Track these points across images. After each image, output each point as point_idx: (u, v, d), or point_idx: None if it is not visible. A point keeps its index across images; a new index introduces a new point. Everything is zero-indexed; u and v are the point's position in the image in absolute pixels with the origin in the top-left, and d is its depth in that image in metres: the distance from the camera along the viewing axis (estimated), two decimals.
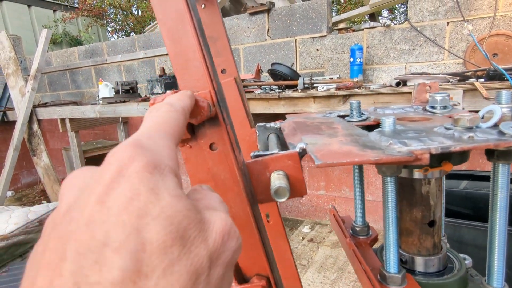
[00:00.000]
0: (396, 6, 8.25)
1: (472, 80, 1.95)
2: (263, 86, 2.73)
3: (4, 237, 2.33)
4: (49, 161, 3.78)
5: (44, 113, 3.80)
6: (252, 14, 3.15)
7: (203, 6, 0.58)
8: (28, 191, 4.92)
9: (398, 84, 2.13)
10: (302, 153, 0.38)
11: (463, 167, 2.66)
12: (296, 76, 2.66)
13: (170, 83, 3.43)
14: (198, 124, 0.34)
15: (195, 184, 0.40)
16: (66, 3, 8.12)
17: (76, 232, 0.16)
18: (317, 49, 2.95)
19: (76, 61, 4.59)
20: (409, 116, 0.52)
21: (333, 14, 4.75)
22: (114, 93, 3.36)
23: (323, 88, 2.37)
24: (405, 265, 0.52)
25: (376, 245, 0.64)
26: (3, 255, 2.31)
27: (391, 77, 2.62)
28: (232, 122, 0.40)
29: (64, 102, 4.27)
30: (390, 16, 8.47)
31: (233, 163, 0.35)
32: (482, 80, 1.96)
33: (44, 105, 4.15)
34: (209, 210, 0.20)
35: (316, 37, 2.93)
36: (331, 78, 2.67)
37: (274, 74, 2.74)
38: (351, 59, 2.62)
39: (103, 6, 8.15)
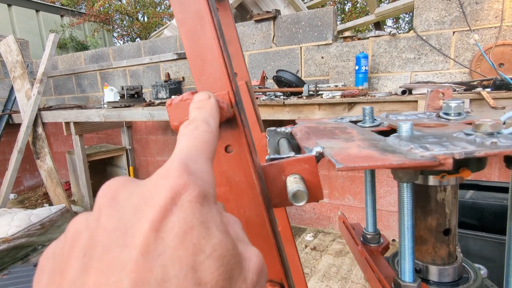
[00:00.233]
0: (401, 15, 8.30)
1: (478, 89, 1.94)
2: (268, 93, 2.74)
3: (6, 240, 2.32)
4: (53, 164, 3.78)
5: (49, 116, 3.82)
6: (257, 21, 3.17)
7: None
8: (30, 194, 4.93)
9: (404, 92, 2.13)
10: (319, 157, 0.37)
11: (469, 177, 2.65)
12: (301, 83, 2.67)
13: (175, 89, 3.45)
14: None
15: None
16: (73, 9, 8.23)
17: (131, 261, 0.15)
18: (322, 57, 2.96)
19: (82, 66, 4.63)
20: (424, 123, 0.51)
21: (338, 22, 4.78)
22: (119, 98, 3.38)
23: (328, 95, 2.37)
24: (419, 274, 0.51)
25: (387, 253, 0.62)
26: (4, 258, 2.30)
27: (396, 86, 2.62)
28: None
29: (69, 105, 4.30)
30: (395, 26, 8.51)
31: (250, 166, 0.35)
32: (489, 89, 1.96)
33: (49, 108, 4.18)
34: (241, 243, 0.20)
35: (321, 44, 2.94)
36: (336, 86, 2.67)
37: (279, 81, 2.75)
38: (356, 67, 2.62)
39: (109, 12, 8.25)
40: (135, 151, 4.37)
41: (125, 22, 9.27)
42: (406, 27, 8.68)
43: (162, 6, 9.69)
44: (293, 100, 2.43)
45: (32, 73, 4.78)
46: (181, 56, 3.63)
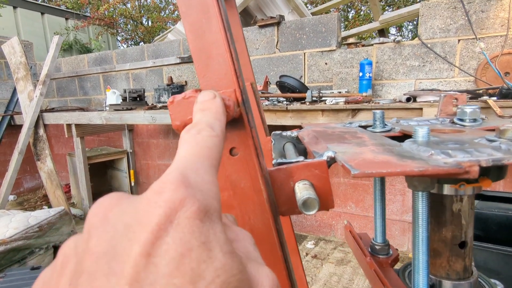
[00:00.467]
0: (404, 23, 8.32)
1: (484, 98, 1.91)
2: (270, 98, 2.72)
3: (3, 242, 2.29)
4: (53, 166, 3.76)
5: (51, 118, 3.81)
6: (261, 26, 3.17)
7: None
8: (30, 195, 4.90)
9: (408, 99, 2.11)
10: (330, 162, 0.35)
11: (488, 187, 2.61)
12: (304, 89, 2.65)
13: (177, 92, 3.44)
14: None
15: None
16: (78, 12, 8.29)
17: None
18: (326, 63, 2.95)
19: (85, 68, 4.64)
20: (439, 128, 0.48)
21: (342, 29, 4.79)
22: (121, 101, 3.37)
23: (331, 101, 2.35)
24: None
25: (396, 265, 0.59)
26: (0, 261, 2.27)
27: (400, 93, 2.60)
28: None
29: (71, 108, 4.29)
30: (398, 34, 8.53)
31: (256, 170, 0.32)
32: (495, 98, 1.93)
33: (51, 110, 4.18)
34: (252, 263, 0.18)
35: (325, 51, 2.93)
36: (340, 92, 2.65)
37: (282, 86, 2.73)
38: (360, 74, 2.61)
39: (114, 16, 8.30)
40: (136, 154, 4.34)
41: (129, 26, 9.32)
42: (409, 35, 8.70)
43: (167, 11, 9.75)
44: (296, 105, 2.41)
45: (36, 75, 4.79)
46: (184, 60, 3.62)
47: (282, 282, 0.35)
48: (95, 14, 7.84)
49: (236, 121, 0.32)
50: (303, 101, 2.54)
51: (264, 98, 2.75)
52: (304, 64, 3.05)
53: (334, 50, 2.89)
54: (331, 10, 4.58)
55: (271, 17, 3.13)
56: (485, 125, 0.50)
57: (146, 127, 4.16)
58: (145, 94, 3.60)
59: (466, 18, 2.34)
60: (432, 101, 2.01)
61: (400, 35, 8.60)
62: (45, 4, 7.95)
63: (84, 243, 0.15)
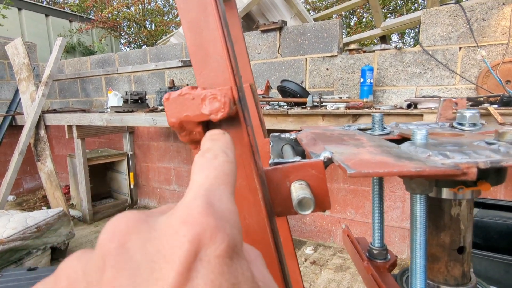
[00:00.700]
0: (406, 31, 8.36)
1: (485, 105, 1.91)
2: (271, 102, 2.72)
3: (0, 242, 2.28)
4: (53, 167, 3.76)
5: (52, 119, 3.82)
6: (264, 31, 3.18)
7: None
8: (29, 196, 4.89)
9: (409, 106, 2.10)
10: (327, 163, 0.35)
11: (487, 191, 2.59)
12: (305, 94, 2.65)
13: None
14: (217, 122, 0.31)
15: None
16: (82, 14, 8.35)
17: None
18: (327, 69, 2.96)
19: (87, 70, 4.66)
20: (438, 132, 0.48)
21: (343, 35, 4.80)
22: (123, 103, 3.37)
23: (332, 106, 2.35)
24: None
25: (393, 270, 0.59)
26: None
27: (401, 99, 2.60)
28: None
29: (72, 109, 4.31)
30: (400, 41, 8.56)
31: (252, 169, 0.32)
32: (496, 106, 1.93)
33: (53, 111, 4.19)
34: None
35: (326, 56, 2.94)
36: (341, 98, 2.66)
37: (283, 91, 2.74)
38: (361, 80, 2.61)
39: (118, 19, 8.36)
40: (136, 156, 4.34)
41: (132, 29, 9.39)
42: (411, 42, 8.73)
43: (170, 15, 9.82)
44: (297, 110, 2.41)
45: (38, 76, 4.81)
46: (186, 64, 3.64)
47: (276, 282, 0.34)
48: (99, 17, 7.89)
49: (232, 119, 0.32)
50: (304, 106, 2.54)
51: (265, 103, 2.75)
52: (306, 69, 3.06)
53: (335, 55, 2.90)
54: (333, 16, 4.61)
55: (274, 22, 3.14)
56: (485, 130, 0.50)
57: (147, 129, 4.17)
58: (147, 96, 3.61)
59: (468, 26, 2.35)
60: (433, 108, 2.01)
61: (402, 42, 8.64)
62: (49, 6, 8.01)
63: (97, 272, 0.14)
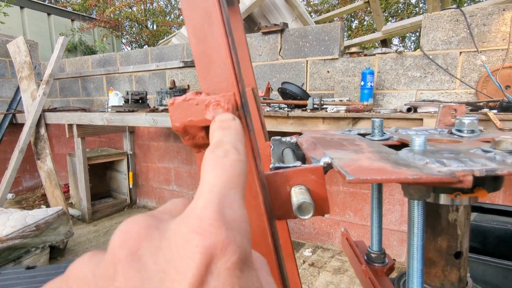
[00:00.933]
0: (407, 35, 8.38)
1: (485, 110, 1.92)
2: (272, 104, 2.73)
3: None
4: (53, 166, 3.77)
5: (52, 118, 3.82)
6: (265, 33, 3.19)
7: None
8: (29, 194, 4.90)
9: (409, 110, 2.11)
10: (327, 168, 0.35)
11: (484, 197, 2.60)
12: (305, 96, 2.66)
13: (179, 96, 3.45)
14: None
15: None
16: (84, 14, 8.37)
17: None
18: (328, 71, 2.97)
19: (89, 69, 4.67)
20: (436, 138, 0.49)
21: (345, 39, 4.83)
22: (124, 102, 3.38)
23: (332, 109, 2.36)
24: None
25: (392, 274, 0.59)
26: None
27: (401, 103, 2.61)
28: None
29: (73, 108, 4.31)
30: (401, 45, 8.58)
31: (254, 173, 0.32)
32: (495, 111, 1.94)
33: (54, 110, 4.19)
34: None
35: (327, 59, 2.95)
36: (341, 101, 2.67)
37: (284, 93, 2.75)
38: (362, 83, 2.62)
39: (120, 19, 8.38)
40: (136, 156, 4.35)
41: (134, 29, 9.40)
42: (412, 46, 8.75)
43: (172, 15, 9.84)
44: (297, 112, 2.42)
45: (40, 75, 4.82)
46: (187, 64, 3.65)
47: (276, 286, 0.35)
48: (101, 17, 7.91)
49: None
50: (304, 108, 2.55)
51: (265, 104, 2.76)
52: (306, 71, 3.07)
53: (336, 58, 2.91)
54: (334, 19, 4.63)
55: (275, 25, 3.15)
56: (483, 137, 0.51)
57: (147, 129, 4.17)
58: (148, 96, 3.62)
59: (468, 31, 2.36)
60: (432, 112, 2.02)
61: (403, 46, 8.65)
62: (51, 5, 8.02)
63: (107, 279, 0.14)
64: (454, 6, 2.53)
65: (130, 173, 4.22)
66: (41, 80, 3.88)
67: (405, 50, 2.67)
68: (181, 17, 9.21)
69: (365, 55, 2.86)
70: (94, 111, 3.90)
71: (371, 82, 2.60)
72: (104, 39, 8.10)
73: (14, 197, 4.74)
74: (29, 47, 4.12)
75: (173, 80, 3.72)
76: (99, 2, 8.31)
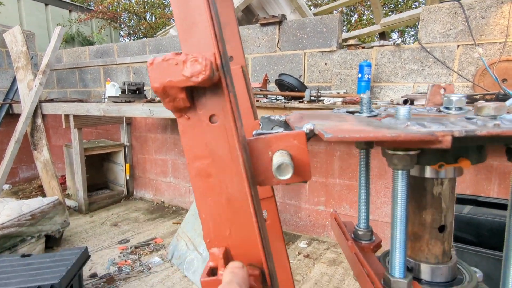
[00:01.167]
0: (406, 29, 8.35)
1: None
2: (269, 96, 2.72)
3: None
4: (49, 156, 3.76)
5: (49, 108, 3.80)
6: (263, 25, 3.17)
7: None
8: (25, 185, 4.89)
9: (405, 102, 2.11)
10: (310, 134, 0.35)
11: (467, 192, 2.61)
12: (303, 88, 2.65)
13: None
14: (200, 89, 0.31)
15: (191, 160, 0.37)
16: (82, 5, 8.29)
17: None
18: (326, 63, 2.96)
19: (86, 60, 4.64)
20: (423, 114, 0.49)
21: (343, 32, 4.80)
22: (120, 93, 3.36)
23: (329, 101, 2.35)
24: (411, 272, 0.48)
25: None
26: None
27: (398, 96, 2.61)
28: None
29: (70, 99, 4.29)
30: (400, 39, 8.55)
31: (234, 136, 0.32)
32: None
33: (50, 101, 4.17)
34: None
35: (325, 51, 2.94)
36: (338, 93, 2.66)
37: (281, 84, 2.74)
38: (359, 75, 2.61)
39: (118, 11, 8.30)
40: (133, 148, 4.34)
41: (132, 21, 9.33)
42: (411, 40, 8.72)
43: (171, 8, 9.75)
44: (294, 104, 2.41)
45: (37, 65, 4.78)
46: None
47: (255, 251, 0.35)
48: (99, 8, 7.84)
49: (216, 88, 0.33)
50: (301, 100, 2.54)
51: (262, 96, 2.75)
52: (304, 63, 3.06)
53: (334, 51, 2.90)
54: (333, 12, 4.60)
55: (273, 16, 3.13)
56: (471, 114, 0.51)
57: (145, 121, 4.16)
58: (145, 87, 3.60)
59: (466, 24, 2.35)
60: None
61: (402, 40, 8.62)
62: None
63: None
64: None
65: (127, 165, 4.22)
66: (38, 71, 3.85)
67: (402, 43, 2.66)
68: None
69: (363, 47, 2.84)
70: (91, 102, 3.88)
71: (368, 75, 2.59)
72: (102, 30, 8.04)
73: (11, 188, 4.73)
74: (26, 37, 4.09)
75: None
76: None
